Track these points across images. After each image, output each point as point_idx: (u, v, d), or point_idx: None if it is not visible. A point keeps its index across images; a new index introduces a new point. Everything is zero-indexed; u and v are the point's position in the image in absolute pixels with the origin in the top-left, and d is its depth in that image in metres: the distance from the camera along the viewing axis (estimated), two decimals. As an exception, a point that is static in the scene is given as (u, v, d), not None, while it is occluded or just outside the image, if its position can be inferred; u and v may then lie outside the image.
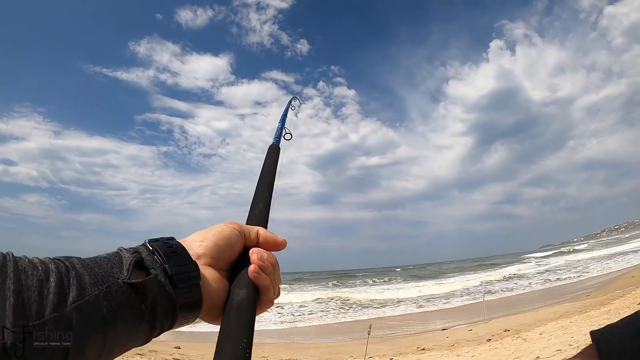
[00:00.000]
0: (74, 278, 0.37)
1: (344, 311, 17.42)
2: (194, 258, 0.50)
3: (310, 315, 16.58)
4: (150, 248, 0.48)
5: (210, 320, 0.53)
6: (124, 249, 0.47)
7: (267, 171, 0.80)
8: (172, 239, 0.52)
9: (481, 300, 13.79)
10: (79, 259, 0.41)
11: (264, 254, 0.56)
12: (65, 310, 0.35)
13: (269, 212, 0.69)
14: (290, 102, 1.19)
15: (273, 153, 0.86)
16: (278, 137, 0.95)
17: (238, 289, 0.52)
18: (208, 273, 0.51)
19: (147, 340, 0.45)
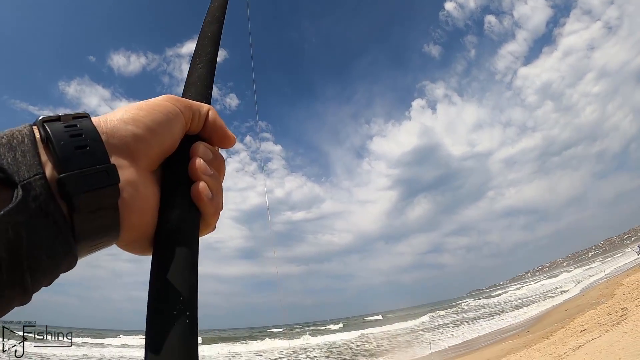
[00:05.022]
0: None
1: None
2: (114, 153, 0.31)
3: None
4: (42, 133, 0.29)
5: (135, 250, 0.36)
6: None
7: (212, 19, 0.60)
8: (85, 116, 0.32)
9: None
10: None
11: (210, 155, 0.39)
12: None
13: (213, 80, 0.49)
14: None
15: None
16: None
17: (174, 212, 0.35)
18: (132, 179, 0.32)
19: (24, 301, 0.26)
